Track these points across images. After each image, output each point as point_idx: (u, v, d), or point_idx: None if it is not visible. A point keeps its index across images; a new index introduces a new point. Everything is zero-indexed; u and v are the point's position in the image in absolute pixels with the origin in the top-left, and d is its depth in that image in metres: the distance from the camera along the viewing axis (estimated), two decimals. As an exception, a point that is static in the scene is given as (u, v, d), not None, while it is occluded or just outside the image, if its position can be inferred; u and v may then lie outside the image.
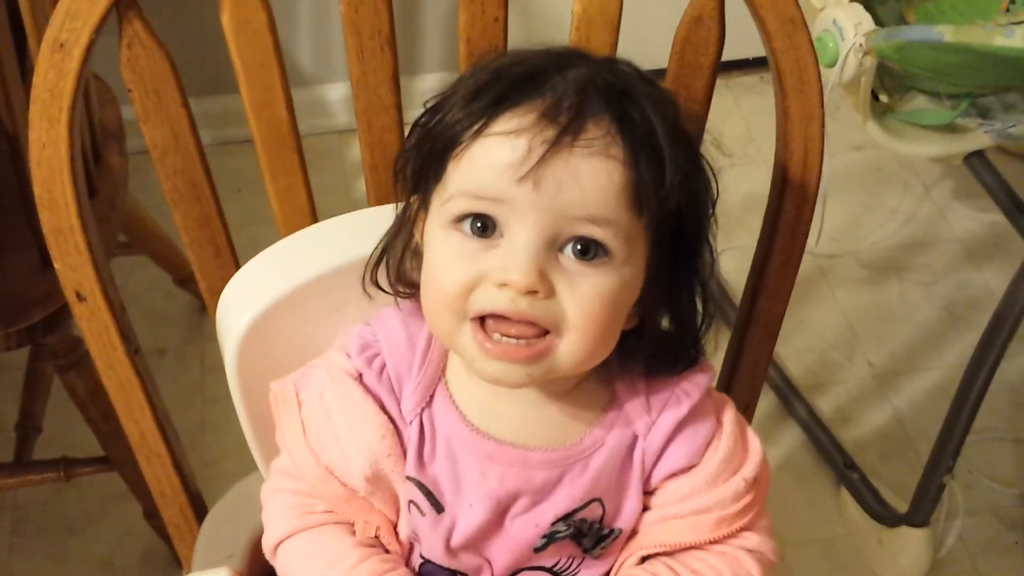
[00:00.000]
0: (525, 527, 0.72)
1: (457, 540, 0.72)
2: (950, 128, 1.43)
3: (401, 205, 0.74)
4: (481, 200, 0.65)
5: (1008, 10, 1.40)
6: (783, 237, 0.86)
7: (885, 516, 1.45)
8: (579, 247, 0.65)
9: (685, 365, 0.73)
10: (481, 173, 0.65)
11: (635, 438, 0.73)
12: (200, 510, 0.92)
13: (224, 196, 0.84)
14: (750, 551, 0.73)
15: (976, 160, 1.54)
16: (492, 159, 0.64)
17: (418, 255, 0.73)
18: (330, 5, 1.85)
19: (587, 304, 0.65)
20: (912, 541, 1.41)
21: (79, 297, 0.81)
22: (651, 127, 0.65)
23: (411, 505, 0.73)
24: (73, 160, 0.76)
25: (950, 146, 1.45)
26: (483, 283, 0.65)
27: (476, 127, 0.65)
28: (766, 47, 0.81)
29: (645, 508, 0.74)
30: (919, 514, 1.39)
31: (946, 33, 1.27)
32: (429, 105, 0.70)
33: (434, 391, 0.73)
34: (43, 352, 1.26)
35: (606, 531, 0.73)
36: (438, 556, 0.73)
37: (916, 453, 1.55)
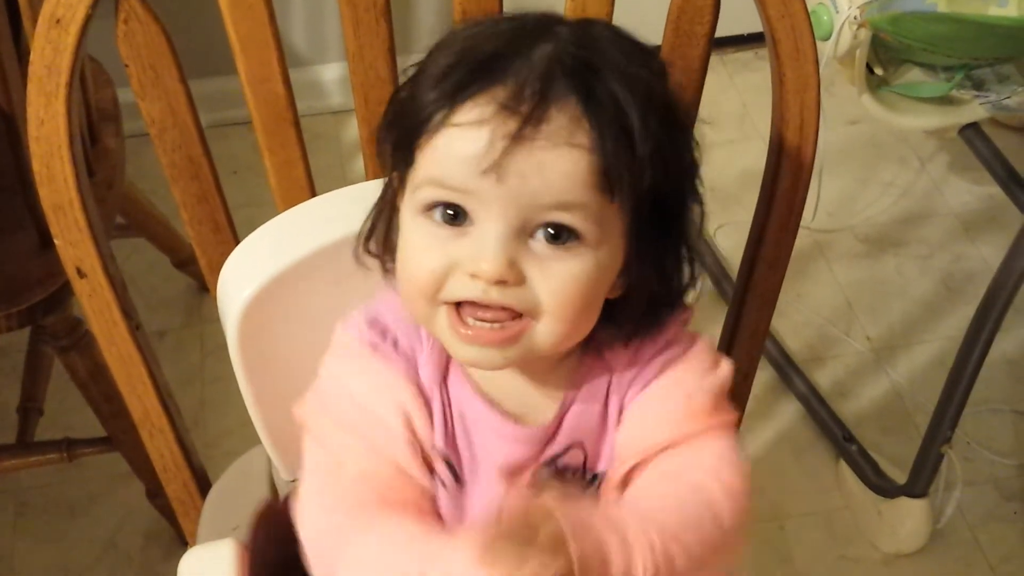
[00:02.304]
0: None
1: (476, 516, 0.72)
2: (945, 100, 1.43)
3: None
4: (447, 190, 0.64)
5: (1002, -19, 1.40)
6: (780, 205, 0.86)
7: (884, 488, 1.45)
8: (551, 231, 0.64)
9: (667, 314, 0.73)
10: (445, 163, 0.64)
11: (611, 374, 0.73)
12: (204, 484, 0.93)
13: (220, 179, 0.84)
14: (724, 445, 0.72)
15: (971, 132, 1.54)
16: (455, 150, 0.63)
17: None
18: (324, -14, 1.84)
19: (560, 289, 0.65)
20: (911, 512, 1.42)
21: (80, 273, 0.81)
22: (619, 104, 0.63)
23: (435, 477, 0.72)
24: (72, 136, 0.76)
25: (945, 118, 1.46)
26: (455, 272, 0.65)
27: (439, 116, 0.64)
28: (761, 14, 0.81)
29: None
30: (918, 484, 1.40)
31: (940, 3, 1.27)
32: (408, 75, 0.69)
33: (447, 364, 0.72)
34: (43, 333, 1.27)
35: (590, 476, 0.73)
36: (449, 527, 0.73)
37: (915, 426, 1.56)
